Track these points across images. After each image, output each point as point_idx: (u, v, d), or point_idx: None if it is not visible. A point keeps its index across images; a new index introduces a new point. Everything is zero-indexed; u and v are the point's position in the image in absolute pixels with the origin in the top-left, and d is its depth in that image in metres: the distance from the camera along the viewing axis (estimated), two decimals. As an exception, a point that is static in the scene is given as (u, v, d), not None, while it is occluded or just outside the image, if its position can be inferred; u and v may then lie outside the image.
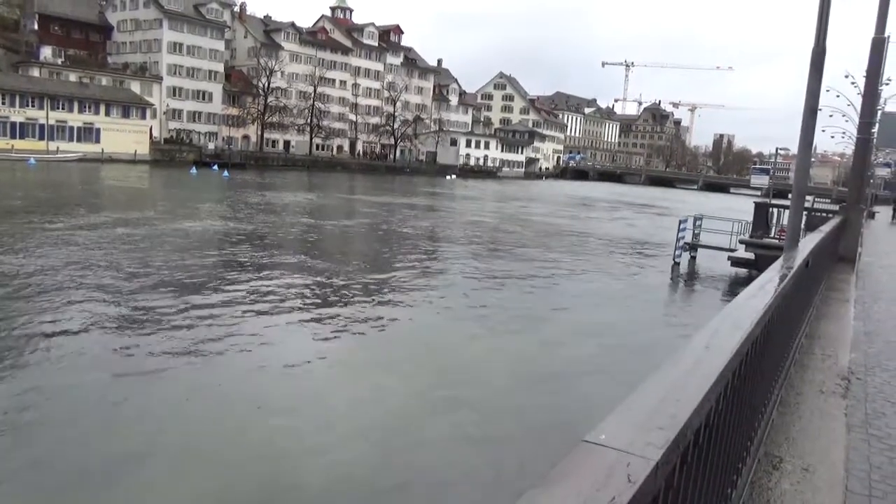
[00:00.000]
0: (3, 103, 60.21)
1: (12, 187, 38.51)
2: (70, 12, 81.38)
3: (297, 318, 13.25)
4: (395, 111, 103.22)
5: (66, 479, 6.75)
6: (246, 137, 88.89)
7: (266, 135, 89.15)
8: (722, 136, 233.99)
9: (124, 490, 6.61)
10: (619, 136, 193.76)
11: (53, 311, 12.42)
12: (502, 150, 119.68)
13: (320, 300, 15.11)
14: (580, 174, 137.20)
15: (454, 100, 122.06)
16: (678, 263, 24.59)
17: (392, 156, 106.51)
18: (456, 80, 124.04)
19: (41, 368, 9.55)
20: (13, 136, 60.48)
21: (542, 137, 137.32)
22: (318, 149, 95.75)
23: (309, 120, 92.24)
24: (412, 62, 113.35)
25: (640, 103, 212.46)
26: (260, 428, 8.26)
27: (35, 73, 69.98)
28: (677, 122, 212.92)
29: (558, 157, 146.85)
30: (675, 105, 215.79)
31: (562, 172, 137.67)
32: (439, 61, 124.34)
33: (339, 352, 11.50)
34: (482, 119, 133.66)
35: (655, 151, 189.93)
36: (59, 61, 73.56)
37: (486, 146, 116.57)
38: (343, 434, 8.23)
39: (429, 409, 9.27)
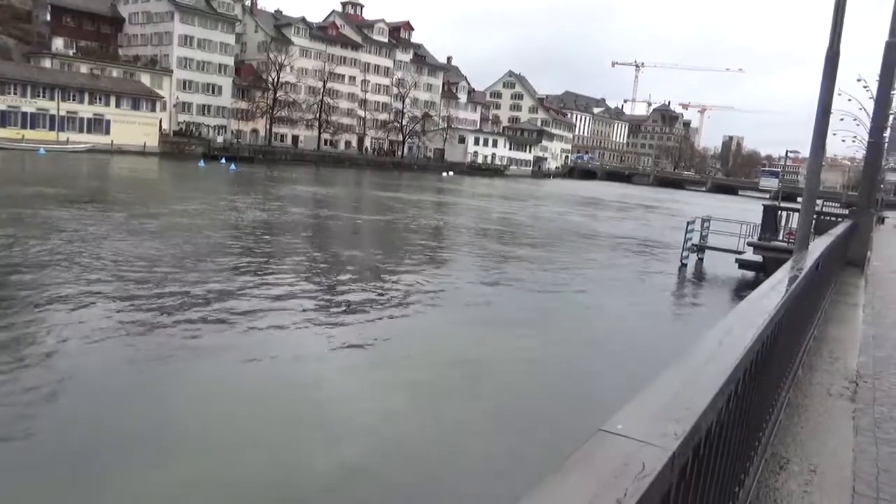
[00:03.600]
0: (15, 94, 60.52)
1: (34, 176, 38.74)
2: (82, 4, 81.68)
3: (309, 314, 13.27)
4: (403, 108, 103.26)
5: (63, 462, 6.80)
6: (255, 131, 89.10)
7: (275, 129, 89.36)
8: (731, 138, 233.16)
9: (129, 472, 6.67)
10: (628, 136, 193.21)
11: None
12: (510, 149, 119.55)
13: (335, 294, 15.13)
14: (588, 174, 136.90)
15: (463, 97, 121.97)
16: (685, 265, 24.54)
17: (400, 152, 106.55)
18: (465, 78, 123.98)
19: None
20: (24, 126, 60.81)
21: (551, 136, 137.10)
22: (326, 144, 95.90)
23: (318, 115, 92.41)
24: (422, 59, 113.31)
25: (649, 104, 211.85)
26: (274, 419, 8.30)
27: (47, 64, 70.27)
28: (686, 124, 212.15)
29: (566, 157, 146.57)
30: (685, 106, 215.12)
31: (569, 172, 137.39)
32: (449, 59, 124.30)
33: (357, 345, 11.51)
34: (491, 117, 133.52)
35: (664, 152, 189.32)
36: (71, 53, 73.84)
37: (495, 144, 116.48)
38: (356, 429, 8.26)
39: (441, 399, 9.29)
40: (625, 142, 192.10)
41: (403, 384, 9.90)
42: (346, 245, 23.63)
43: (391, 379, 10.14)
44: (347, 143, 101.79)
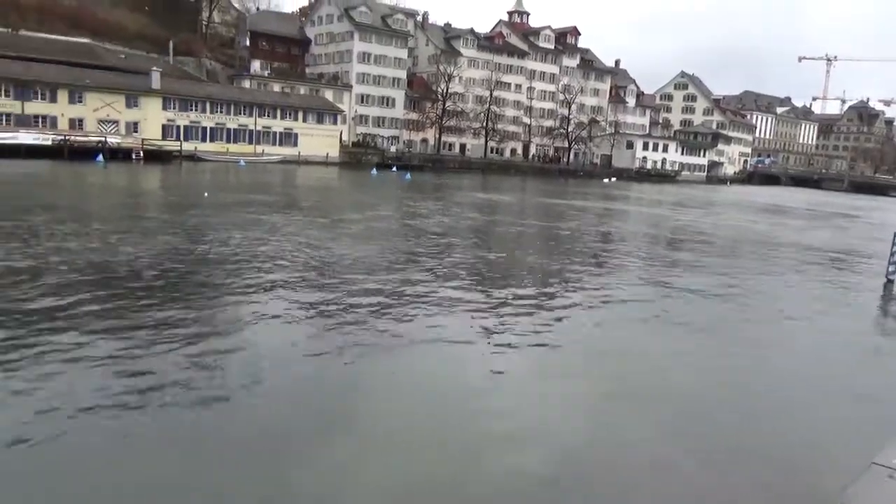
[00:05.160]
0: (221, 112, 68.27)
1: (239, 184, 43.48)
2: (276, 29, 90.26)
3: (490, 312, 13.62)
4: (569, 114, 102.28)
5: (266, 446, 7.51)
6: (424, 141, 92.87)
7: (443, 138, 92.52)
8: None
9: (320, 461, 7.24)
10: (818, 137, 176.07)
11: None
12: (682, 153, 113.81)
13: (513, 296, 15.39)
14: (770, 179, 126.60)
15: (631, 101, 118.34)
16: (892, 281, 21.88)
17: (566, 159, 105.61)
18: (634, 81, 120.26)
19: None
20: (228, 141, 68.45)
21: (728, 140, 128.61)
22: (492, 152, 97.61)
23: (484, 123, 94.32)
24: (588, 64, 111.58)
25: (843, 101, 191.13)
26: (453, 417, 8.64)
27: (246, 84, 78.51)
28: (889, 122, 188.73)
29: (745, 161, 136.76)
30: (887, 103, 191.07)
31: (748, 177, 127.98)
32: (617, 62, 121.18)
33: (532, 348, 11.66)
34: (661, 121, 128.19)
35: (861, 155, 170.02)
36: (266, 73, 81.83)
37: (665, 149, 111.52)
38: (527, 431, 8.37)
39: (618, 413, 9.14)
40: (813, 143, 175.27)
41: (578, 392, 9.84)
42: (523, 249, 23.88)
43: (566, 386, 10.12)
44: (513, 151, 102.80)
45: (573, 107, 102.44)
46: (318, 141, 74.52)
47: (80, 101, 59.61)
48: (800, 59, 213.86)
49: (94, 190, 35.75)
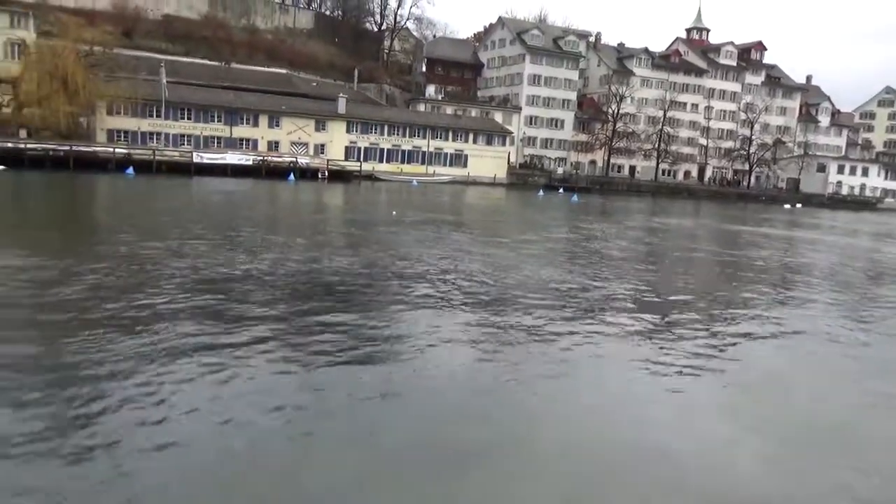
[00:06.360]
0: (398, 134, 72.16)
1: (413, 203, 45.67)
2: (450, 55, 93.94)
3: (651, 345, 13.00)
4: (751, 134, 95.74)
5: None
6: (593, 162, 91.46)
7: (612, 160, 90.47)
8: None
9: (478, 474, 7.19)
10: None
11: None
12: (886, 178, 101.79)
13: (689, 328, 14.60)
14: None
15: (824, 120, 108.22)
16: None
17: (746, 182, 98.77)
18: (828, 99, 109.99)
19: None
20: (402, 161, 72.11)
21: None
22: (663, 174, 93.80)
23: (656, 145, 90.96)
24: (775, 80, 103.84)
25: None
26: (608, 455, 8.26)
27: (421, 108, 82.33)
28: None
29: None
30: None
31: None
32: (808, 77, 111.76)
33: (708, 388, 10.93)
34: (860, 142, 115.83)
35: None
36: (440, 97, 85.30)
37: (864, 173, 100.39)
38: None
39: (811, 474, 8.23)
40: None
41: (754, 431, 8.99)
42: (704, 276, 22.60)
43: (741, 423, 9.29)
44: (686, 173, 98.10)
45: (756, 127, 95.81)
46: (487, 162, 76.16)
47: (277, 126, 65.96)
48: None
49: (294, 206, 39.17)
